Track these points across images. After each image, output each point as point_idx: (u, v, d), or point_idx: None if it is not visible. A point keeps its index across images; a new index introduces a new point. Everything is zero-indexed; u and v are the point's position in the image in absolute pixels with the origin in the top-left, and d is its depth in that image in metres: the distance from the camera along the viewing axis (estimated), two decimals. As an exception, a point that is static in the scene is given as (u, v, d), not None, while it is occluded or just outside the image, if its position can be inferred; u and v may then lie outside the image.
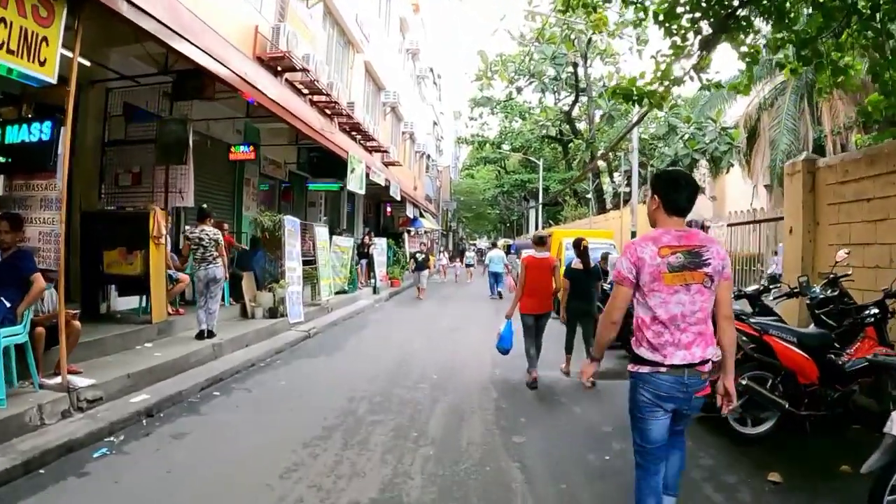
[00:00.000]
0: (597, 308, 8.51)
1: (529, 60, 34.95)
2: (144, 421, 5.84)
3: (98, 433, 5.28)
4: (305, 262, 13.61)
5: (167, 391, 6.69)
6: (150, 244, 8.54)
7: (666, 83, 9.25)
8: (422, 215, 34.64)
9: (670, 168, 3.88)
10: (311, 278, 13.46)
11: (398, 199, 22.19)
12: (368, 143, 20.32)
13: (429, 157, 43.72)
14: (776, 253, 10.77)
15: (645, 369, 3.17)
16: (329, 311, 13.70)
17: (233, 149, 11.83)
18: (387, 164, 23.82)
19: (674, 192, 3.20)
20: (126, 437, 5.35)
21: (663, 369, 3.10)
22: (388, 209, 32.20)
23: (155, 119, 9.57)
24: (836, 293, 6.33)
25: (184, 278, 9.48)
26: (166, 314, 8.97)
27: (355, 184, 14.92)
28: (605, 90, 30.05)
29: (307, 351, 9.93)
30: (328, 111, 15.78)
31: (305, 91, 14.26)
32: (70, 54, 5.77)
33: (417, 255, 19.60)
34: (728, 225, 12.47)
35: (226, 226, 11.32)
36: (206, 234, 8.80)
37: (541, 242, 8.03)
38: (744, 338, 5.77)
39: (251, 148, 11.64)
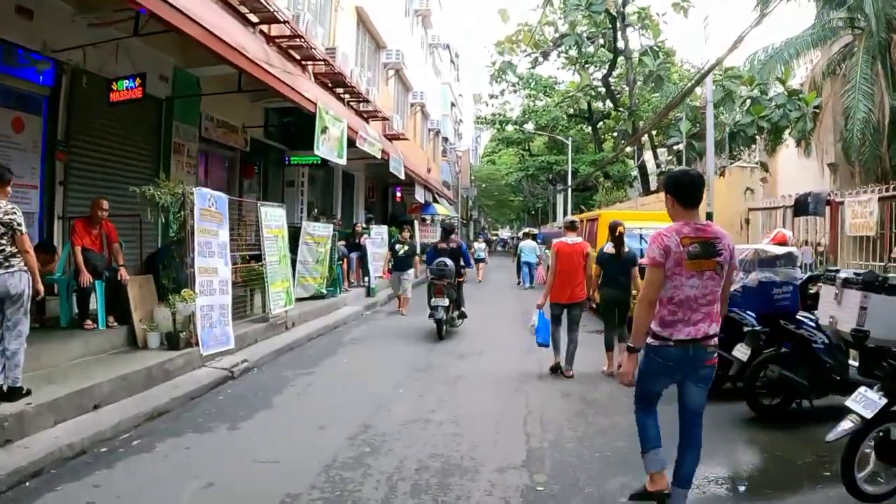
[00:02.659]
0: (632, 297, 7.79)
1: (555, 31, 30.77)
2: None
3: None
4: (254, 258, 9.60)
5: None
6: None
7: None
8: (436, 200, 30.45)
9: (677, 169, 4.15)
10: (257, 281, 9.40)
11: (402, 176, 18.02)
12: (362, 107, 16.17)
13: (446, 139, 39.58)
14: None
15: (656, 342, 3.58)
16: (287, 329, 9.62)
17: (114, 86, 7.72)
18: (390, 138, 19.68)
19: (685, 191, 3.61)
20: None
21: (671, 343, 3.51)
22: (398, 194, 28.00)
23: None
24: None
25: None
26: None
27: (329, 149, 10.80)
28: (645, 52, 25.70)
29: (208, 412, 5.84)
30: (295, 53, 11.68)
31: (255, 19, 10.17)
32: None
33: (397, 246, 13.18)
34: (881, 199, 8.27)
35: (105, 204, 7.29)
36: (-12, 216, 4.78)
37: (572, 227, 7.95)
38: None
39: (137, 83, 7.55)
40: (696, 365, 3.57)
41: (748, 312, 6.07)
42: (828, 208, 9.30)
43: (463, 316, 10.71)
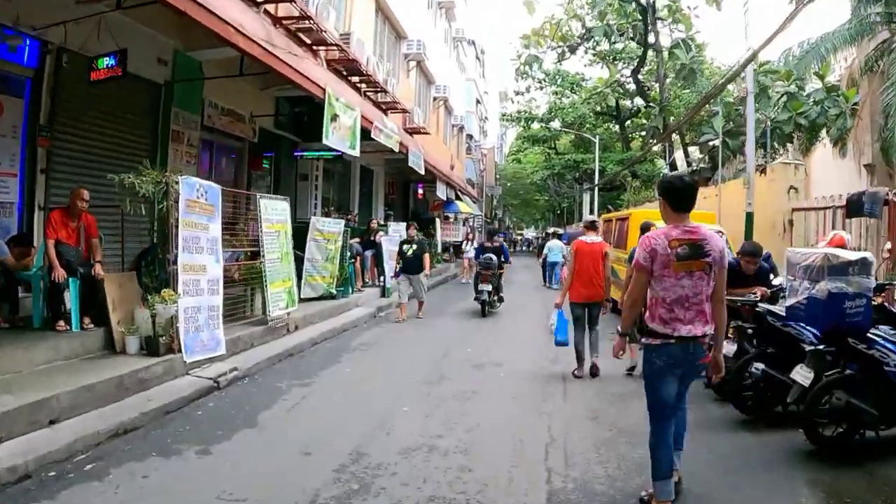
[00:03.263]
0: None
1: (583, 27, 29.83)
2: None
3: None
4: (256, 255, 8.89)
5: None
6: None
7: None
8: (458, 198, 29.61)
9: (671, 175, 4.26)
10: (258, 280, 8.69)
11: (421, 171, 17.27)
12: (380, 98, 15.43)
13: (471, 136, 38.71)
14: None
15: (657, 341, 3.72)
16: (289, 332, 8.90)
17: (94, 64, 7.06)
18: (410, 131, 18.93)
19: (678, 195, 3.74)
20: None
21: (673, 340, 3.65)
22: (420, 190, 27.23)
23: None
24: None
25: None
26: None
27: (340, 139, 10.08)
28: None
29: (181, 430, 5.10)
30: (305, 37, 10.96)
31: (260, -1, 9.46)
32: None
33: (405, 247, 11.98)
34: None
35: (86, 195, 6.63)
36: None
37: (592, 227, 7.97)
38: None
39: (118, 60, 6.88)
40: (694, 363, 3.76)
41: (808, 328, 5.17)
42: (885, 209, 8.37)
43: (501, 300, 13.36)
